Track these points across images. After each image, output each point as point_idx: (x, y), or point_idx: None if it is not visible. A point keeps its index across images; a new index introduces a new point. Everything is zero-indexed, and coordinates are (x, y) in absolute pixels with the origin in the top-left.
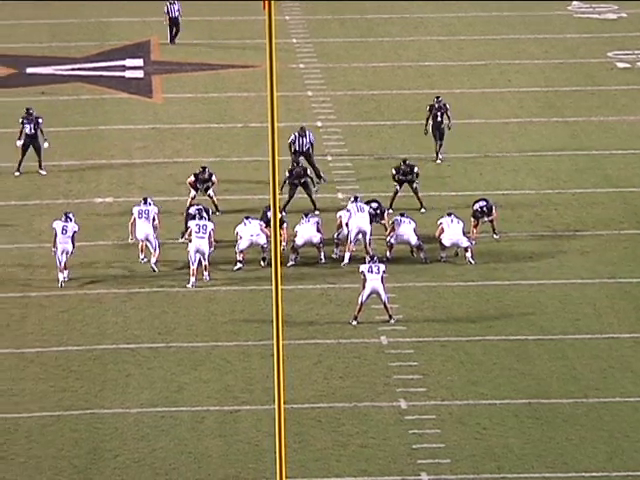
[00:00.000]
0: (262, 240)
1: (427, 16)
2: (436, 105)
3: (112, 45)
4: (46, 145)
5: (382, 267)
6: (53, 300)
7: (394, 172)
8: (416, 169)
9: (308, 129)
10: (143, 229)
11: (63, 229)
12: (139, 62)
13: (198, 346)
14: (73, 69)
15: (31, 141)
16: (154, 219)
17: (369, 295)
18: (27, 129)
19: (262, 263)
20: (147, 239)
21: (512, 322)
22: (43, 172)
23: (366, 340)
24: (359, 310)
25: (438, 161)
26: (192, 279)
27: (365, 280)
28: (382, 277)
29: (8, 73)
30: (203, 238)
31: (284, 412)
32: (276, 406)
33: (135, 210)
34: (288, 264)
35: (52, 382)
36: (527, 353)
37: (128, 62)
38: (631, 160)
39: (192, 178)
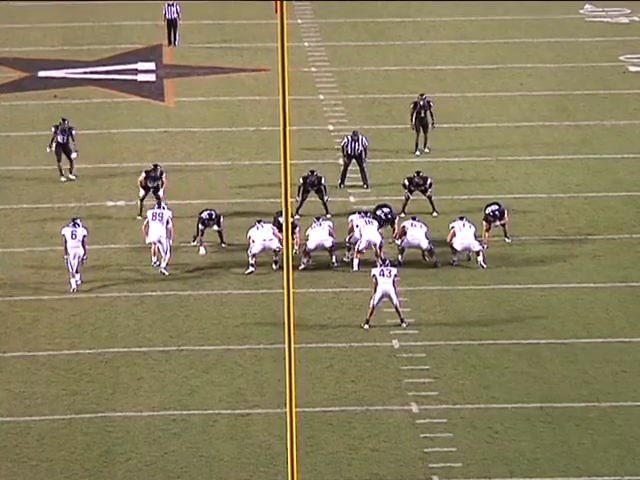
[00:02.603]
0: (274, 244)
1: (439, 19)
2: (420, 102)
3: (124, 49)
4: (74, 155)
5: (394, 271)
6: (65, 303)
7: (407, 183)
8: (429, 180)
9: (361, 133)
10: (156, 231)
11: (72, 234)
12: (151, 65)
13: (210, 349)
14: (85, 72)
15: (63, 149)
16: (167, 222)
17: (380, 298)
18: (60, 138)
19: (274, 266)
20: (159, 241)
21: (524, 326)
22: (72, 177)
23: (378, 344)
24: (371, 314)
25: (417, 152)
26: (154, 258)
27: (377, 284)
28: (394, 281)
29: (21, 76)
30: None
31: (296, 415)
32: (288, 409)
33: (149, 213)
34: (300, 267)
35: (64, 385)
36: (539, 357)
37: (140, 65)
38: None
39: (143, 176)
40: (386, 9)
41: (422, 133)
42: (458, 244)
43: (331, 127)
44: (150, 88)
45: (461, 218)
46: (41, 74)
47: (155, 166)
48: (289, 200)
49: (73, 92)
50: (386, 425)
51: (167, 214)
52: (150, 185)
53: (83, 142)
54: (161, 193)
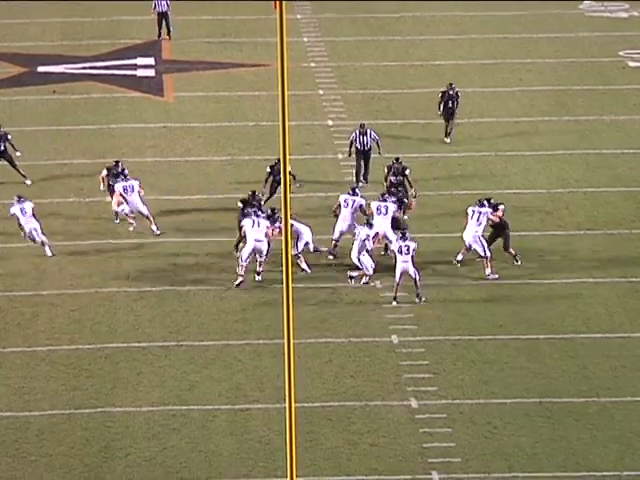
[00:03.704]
0: (264, 248)
1: (438, 14)
2: (449, 92)
3: (123, 44)
4: (18, 154)
5: (412, 246)
6: (64, 299)
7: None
8: (407, 171)
9: (369, 127)
10: (134, 201)
11: (22, 211)
12: (150, 61)
13: (209, 345)
14: (84, 68)
15: (3, 156)
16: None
17: (401, 276)
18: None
19: (257, 277)
20: (139, 211)
21: (523, 321)
22: (28, 182)
23: (377, 339)
24: (395, 291)
25: (447, 139)
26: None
27: (395, 261)
28: (412, 256)
29: (20, 72)
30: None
31: (295, 411)
32: (287, 405)
33: (119, 187)
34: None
35: (63, 380)
36: (538, 352)
37: (139, 61)
38: None
39: (104, 172)
40: (385, 5)
41: (450, 120)
42: (465, 235)
43: (330, 122)
44: (149, 83)
45: (480, 204)
46: (40, 69)
47: (116, 162)
48: (288, 195)
49: (72, 87)
50: (385, 420)
51: (136, 183)
52: (111, 182)
53: (82, 137)
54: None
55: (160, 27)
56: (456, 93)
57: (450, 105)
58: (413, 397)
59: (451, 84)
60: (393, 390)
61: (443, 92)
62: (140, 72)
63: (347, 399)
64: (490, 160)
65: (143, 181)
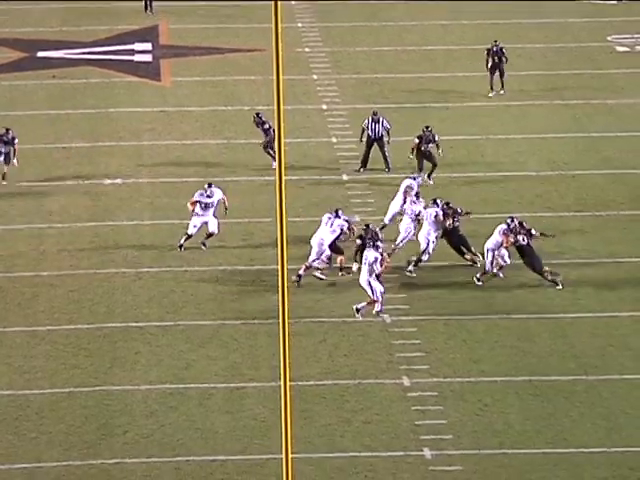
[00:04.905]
0: (328, 239)
1: (430, 1)
2: (493, 49)
3: (121, 29)
4: (15, 162)
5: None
6: (63, 279)
7: (417, 141)
8: (436, 137)
9: (381, 114)
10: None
11: None
12: (148, 46)
13: (205, 324)
14: (83, 53)
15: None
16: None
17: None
18: (3, 148)
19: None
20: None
21: (513, 301)
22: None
23: (370, 319)
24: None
25: (491, 94)
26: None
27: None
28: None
29: (20, 57)
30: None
31: (290, 389)
32: (282, 383)
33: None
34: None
35: (62, 360)
36: (528, 331)
37: (137, 46)
38: (630, 142)
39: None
40: None
41: (498, 77)
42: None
43: (324, 106)
44: (147, 68)
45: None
46: (40, 54)
47: (7, 130)
48: (283, 178)
49: (71, 72)
50: (378, 398)
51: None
52: (2, 150)
53: (81, 121)
54: (15, 161)
55: (146, 1)
56: (500, 49)
57: (496, 60)
58: (405, 375)
59: (495, 41)
60: (386, 369)
61: (488, 49)
62: (137, 57)
63: (341, 377)
64: (481, 143)
65: (141, 164)
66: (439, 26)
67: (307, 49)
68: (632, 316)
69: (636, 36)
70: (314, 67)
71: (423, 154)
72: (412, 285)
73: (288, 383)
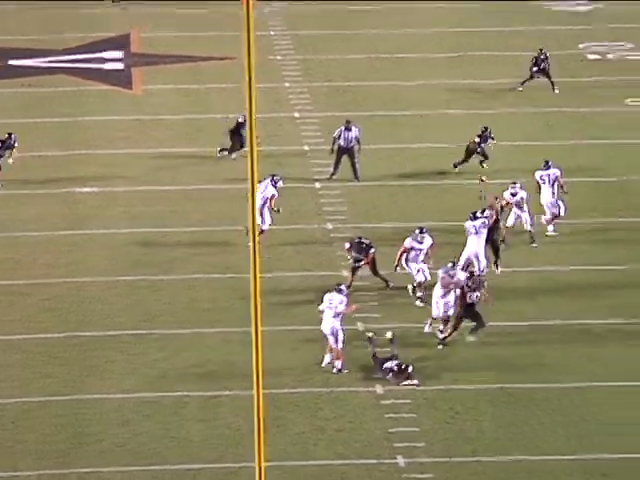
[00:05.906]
0: (340, 308)
1: (403, 6)
2: (540, 56)
3: (93, 37)
4: (10, 161)
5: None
6: (37, 288)
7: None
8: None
9: (354, 123)
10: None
11: None
12: (119, 54)
13: (180, 333)
14: (53, 61)
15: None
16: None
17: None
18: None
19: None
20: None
21: (485, 308)
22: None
23: (344, 327)
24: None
25: (520, 88)
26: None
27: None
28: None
29: None
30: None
31: (263, 397)
32: (255, 391)
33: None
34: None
35: (36, 368)
36: (500, 339)
37: (107, 54)
38: (602, 150)
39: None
40: None
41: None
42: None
43: (297, 114)
44: (118, 76)
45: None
46: (12, 62)
47: (9, 134)
48: (255, 185)
49: (43, 80)
50: (351, 406)
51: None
52: (2, 154)
53: (55, 129)
54: (11, 160)
55: None
56: (545, 55)
57: (542, 66)
58: (378, 383)
59: (541, 49)
60: (359, 377)
61: (535, 57)
62: (108, 65)
63: (314, 385)
64: (455, 151)
65: (115, 172)
66: (412, 34)
67: (279, 57)
68: (603, 324)
69: (607, 44)
70: (286, 75)
71: (473, 151)
72: (385, 294)
73: (261, 391)
